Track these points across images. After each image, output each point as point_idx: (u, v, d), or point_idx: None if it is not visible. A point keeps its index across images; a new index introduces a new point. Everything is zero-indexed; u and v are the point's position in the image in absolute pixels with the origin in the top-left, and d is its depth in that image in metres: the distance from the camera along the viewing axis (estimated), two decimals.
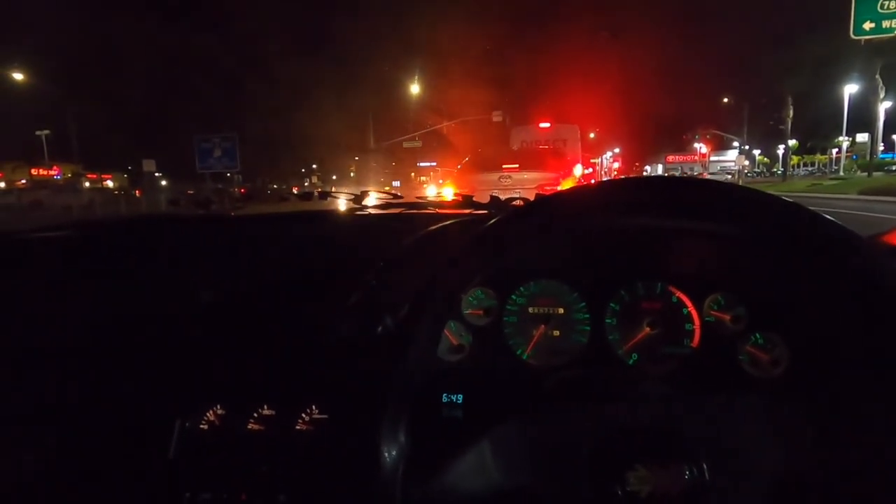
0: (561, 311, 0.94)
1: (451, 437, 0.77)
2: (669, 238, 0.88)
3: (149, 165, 23.32)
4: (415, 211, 1.28)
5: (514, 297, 0.95)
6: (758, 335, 0.85)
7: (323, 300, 0.94)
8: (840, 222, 0.56)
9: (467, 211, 1.23)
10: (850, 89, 31.71)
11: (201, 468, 0.83)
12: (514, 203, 1.21)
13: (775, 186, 29.20)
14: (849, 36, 16.83)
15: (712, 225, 0.63)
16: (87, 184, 32.38)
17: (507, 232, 0.80)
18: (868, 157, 30.28)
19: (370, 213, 1.24)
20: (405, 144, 31.38)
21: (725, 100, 48.04)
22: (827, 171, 44.05)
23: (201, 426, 0.86)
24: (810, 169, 52.61)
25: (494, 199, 1.22)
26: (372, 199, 1.33)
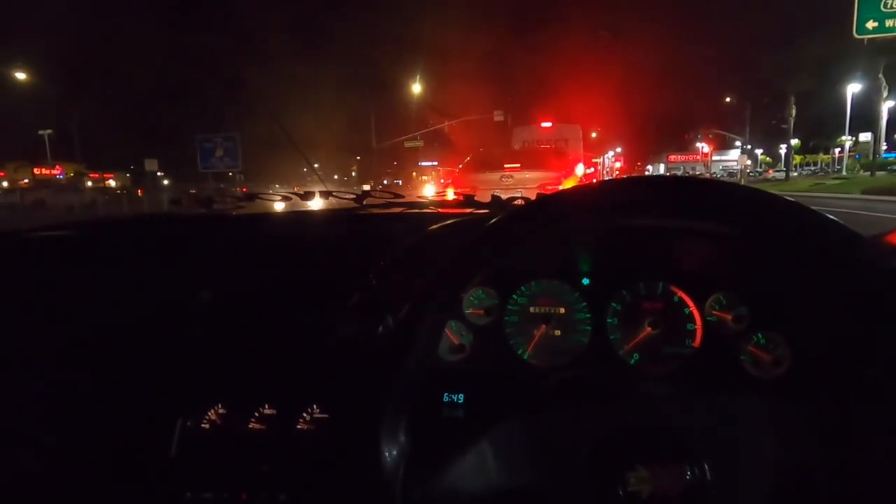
0: (562, 310, 0.93)
1: (452, 436, 0.77)
2: (671, 238, 0.88)
3: (151, 165, 23.36)
4: (416, 210, 1.28)
5: (515, 296, 0.95)
6: (759, 335, 0.84)
7: (324, 300, 0.94)
8: (841, 221, 0.56)
9: (468, 210, 1.23)
10: (853, 89, 31.63)
11: (202, 467, 0.83)
12: (515, 202, 1.21)
13: (778, 186, 29.16)
14: (851, 35, 16.77)
15: (714, 225, 0.62)
16: (89, 183, 32.41)
17: (509, 231, 0.79)
18: (871, 157, 30.19)
19: (371, 213, 1.24)
20: (407, 144, 31.38)
21: (728, 99, 47.95)
22: (830, 170, 43.92)
23: (202, 425, 0.86)
24: (813, 168, 52.47)
25: (496, 198, 1.22)
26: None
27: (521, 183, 7.07)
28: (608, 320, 0.91)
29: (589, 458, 0.65)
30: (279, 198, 1.37)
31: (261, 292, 1.01)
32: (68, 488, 0.85)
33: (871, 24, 16.20)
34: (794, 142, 41.97)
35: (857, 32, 16.54)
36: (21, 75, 27.11)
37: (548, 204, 0.79)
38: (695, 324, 0.88)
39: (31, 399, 0.93)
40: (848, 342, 0.65)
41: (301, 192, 1.34)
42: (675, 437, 0.65)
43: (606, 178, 0.82)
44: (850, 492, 0.62)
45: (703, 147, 48.90)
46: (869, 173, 26.80)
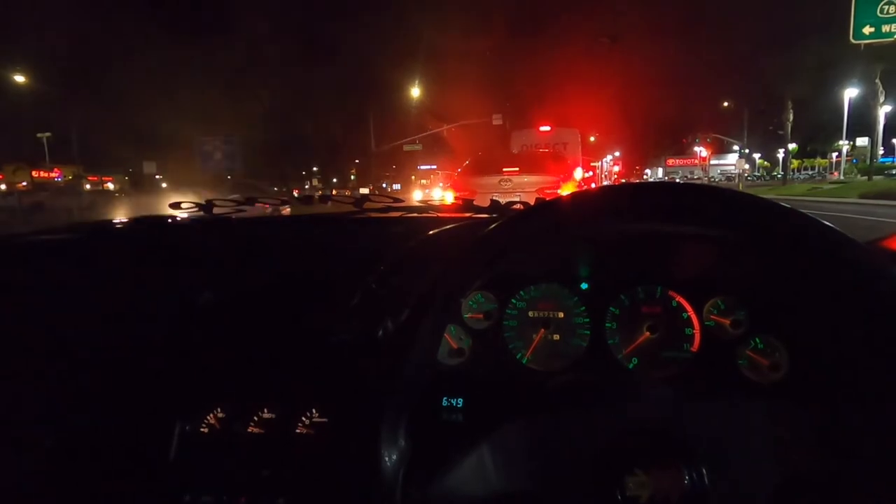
0: (561, 315, 0.94)
1: (452, 441, 0.77)
2: (669, 242, 0.88)
3: (149, 167, 23.39)
4: (415, 214, 1.29)
5: (514, 300, 0.95)
6: (757, 339, 0.85)
7: (324, 303, 0.94)
8: (834, 226, 0.57)
9: (468, 215, 1.23)
10: (850, 93, 31.77)
11: (201, 471, 0.83)
12: (514, 207, 1.21)
13: (775, 190, 29.25)
14: (848, 40, 16.86)
15: (710, 230, 0.63)
16: (87, 186, 32.37)
17: (508, 236, 0.80)
18: (868, 161, 30.31)
19: (371, 217, 1.24)
20: (406, 148, 31.47)
21: (725, 104, 48.13)
22: (827, 174, 44.06)
23: (201, 429, 0.86)
24: (810, 172, 52.64)
25: (495, 202, 1.23)
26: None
27: (519, 187, 7.08)
28: (607, 325, 0.91)
29: (587, 462, 0.65)
30: (278, 202, 1.37)
31: (260, 296, 1.01)
32: (66, 491, 0.85)
33: (867, 30, 16.29)
34: (792, 146, 42.14)
35: (853, 38, 16.63)
36: (20, 78, 27.14)
37: (547, 209, 0.79)
38: (693, 328, 0.88)
39: (29, 401, 0.93)
40: (844, 346, 0.65)
41: (301, 197, 1.34)
42: (673, 441, 0.65)
43: (605, 184, 0.83)
44: (849, 496, 0.62)
45: (702, 151, 49.09)
46: (866, 177, 26.90)
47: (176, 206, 1.36)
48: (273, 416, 0.86)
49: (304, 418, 0.84)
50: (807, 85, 32.97)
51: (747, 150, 47.54)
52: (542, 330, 0.93)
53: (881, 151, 34.00)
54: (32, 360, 0.96)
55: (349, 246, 1.09)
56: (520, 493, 0.67)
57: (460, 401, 0.86)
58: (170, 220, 1.31)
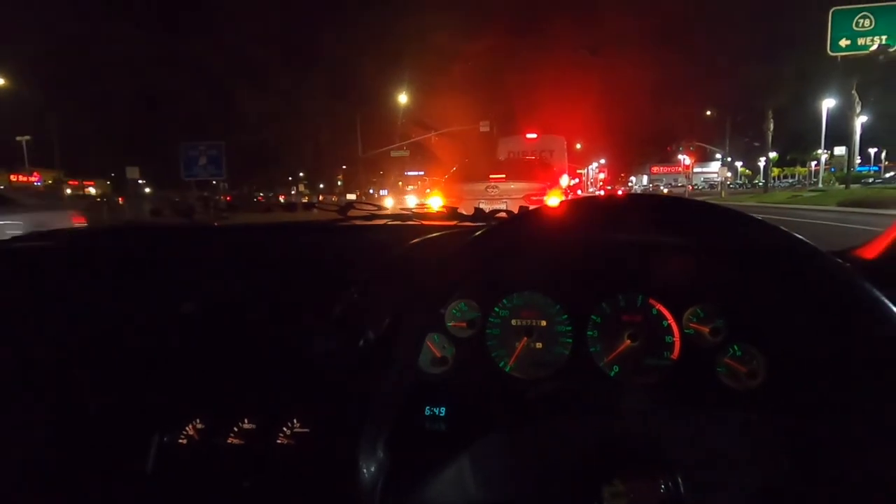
0: (543, 323, 0.94)
1: (434, 450, 0.77)
2: (649, 251, 0.89)
3: (132, 173, 23.05)
4: (400, 223, 1.29)
5: (497, 309, 0.95)
6: (736, 347, 0.86)
7: (306, 313, 0.93)
8: (800, 236, 0.58)
9: (452, 223, 1.24)
10: (828, 104, 32.57)
11: (180, 483, 0.82)
12: (498, 215, 1.22)
13: (757, 197, 29.81)
14: (826, 53, 17.35)
15: (685, 240, 0.64)
16: (68, 191, 31.82)
17: (490, 245, 0.80)
18: (845, 170, 31.07)
19: (355, 225, 1.24)
20: (393, 154, 31.47)
21: (708, 113, 48.99)
22: (807, 182, 45.01)
23: (180, 440, 0.85)
24: (791, 181, 53.73)
25: (479, 211, 1.23)
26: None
27: (506, 193, 7.12)
28: (588, 333, 0.92)
29: (566, 472, 0.65)
30: (262, 209, 1.36)
31: (241, 304, 1.00)
32: None
33: (843, 42, 16.78)
34: (773, 155, 43.02)
35: (830, 50, 17.12)
36: None
37: (529, 218, 0.80)
38: (673, 336, 0.90)
39: (2, 412, 0.91)
40: (816, 353, 0.67)
41: (285, 203, 1.33)
42: (650, 450, 0.66)
43: (585, 195, 0.84)
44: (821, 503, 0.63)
45: (685, 159, 49.85)
46: (844, 186, 27.54)
47: (156, 212, 1.34)
48: (254, 426, 0.85)
49: (285, 429, 0.83)
50: (786, 95, 33.77)
51: (729, 159, 48.40)
52: (525, 338, 0.93)
53: (858, 160, 34.84)
54: (6, 370, 0.94)
55: (332, 254, 1.09)
56: (498, 502, 0.67)
57: (443, 410, 0.86)
58: (150, 227, 1.30)
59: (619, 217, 0.71)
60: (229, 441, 0.84)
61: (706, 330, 0.88)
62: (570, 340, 0.93)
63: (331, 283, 0.93)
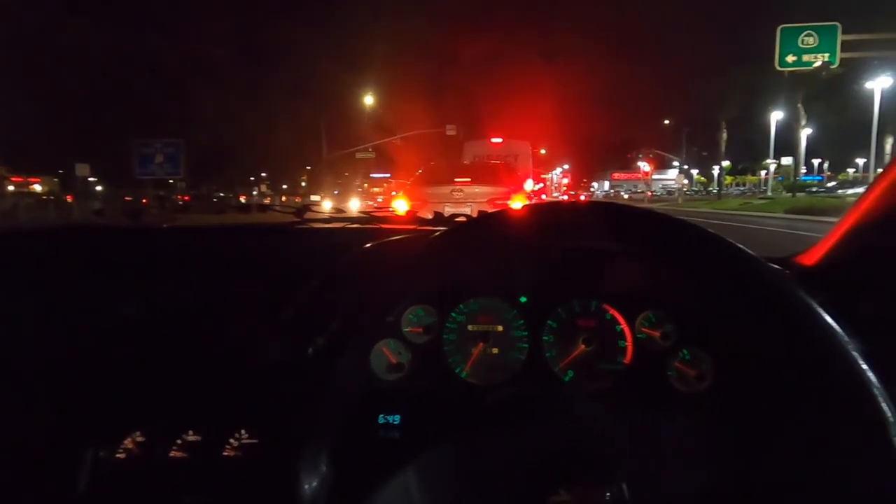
0: (500, 328, 0.94)
1: (386, 458, 0.76)
2: (603, 257, 0.91)
3: (82, 170, 21.98)
4: (358, 226, 1.26)
5: (454, 314, 0.95)
6: (685, 351, 0.88)
7: (254, 319, 0.90)
8: (737, 244, 0.60)
9: (412, 226, 1.22)
10: (777, 116, 34.30)
11: (115, 501, 0.77)
12: (457, 220, 1.21)
13: (711, 204, 31.07)
14: (774, 68, 18.26)
15: (631, 246, 0.65)
16: (11, 187, 30.03)
17: (446, 249, 0.79)
18: (792, 179, 32.79)
19: (311, 228, 1.21)
20: (358, 155, 31.19)
21: (666, 122, 50.78)
22: (757, 190, 47.21)
23: (118, 455, 0.80)
24: (742, 189, 56.23)
25: (438, 215, 1.22)
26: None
27: (471, 197, 7.15)
28: (544, 338, 0.92)
29: (514, 481, 0.65)
30: (215, 210, 1.31)
31: (187, 310, 0.96)
32: None
33: (790, 58, 17.70)
34: (726, 163, 44.97)
35: (778, 65, 18.03)
36: None
37: (484, 224, 0.79)
38: (626, 341, 0.91)
39: None
40: (754, 359, 0.69)
41: (239, 205, 1.29)
42: (598, 457, 0.66)
43: (541, 200, 0.85)
44: None
45: (644, 166, 51.47)
46: (791, 194, 29.03)
47: (99, 213, 1.27)
48: (199, 438, 0.81)
49: (232, 440, 0.79)
50: (738, 107, 35.43)
51: (686, 167, 50.31)
52: (482, 344, 0.93)
53: (804, 170, 36.82)
54: None
55: (283, 259, 1.05)
56: None
57: (397, 417, 0.85)
58: (91, 228, 1.23)
59: (570, 223, 0.72)
60: (171, 454, 0.80)
61: (657, 334, 0.90)
62: (527, 346, 0.93)
63: (280, 289, 0.90)
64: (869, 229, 0.80)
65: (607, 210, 0.68)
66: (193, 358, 0.89)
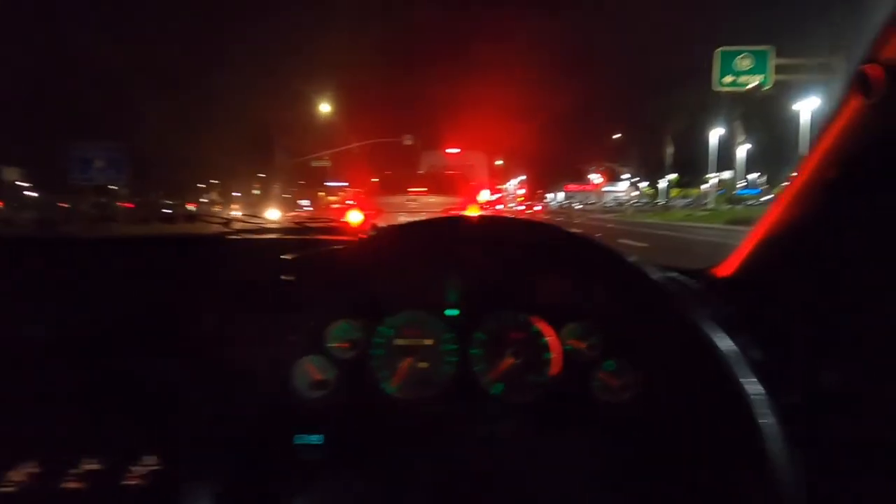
0: (429, 342, 0.93)
1: (308, 481, 0.73)
2: (530, 270, 0.91)
3: (10, 174, 20.55)
4: (291, 236, 1.23)
5: (382, 328, 0.93)
6: (610, 362, 0.89)
7: (164, 337, 0.85)
8: (628, 258, 0.62)
9: (346, 237, 1.20)
10: (717, 132, 36.27)
11: None
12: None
13: (659, 216, 32.45)
14: (713, 88, 19.37)
15: (531, 260, 0.67)
16: None
17: (359, 261, 0.78)
18: (731, 193, 34.73)
19: (239, 239, 1.16)
20: (314, 163, 30.68)
21: (617, 136, 52.72)
22: (700, 203, 49.62)
23: (5, 488, 0.73)
24: (687, 201, 58.95)
25: (374, 226, 1.20)
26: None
27: (425, 207, 7.16)
28: (473, 351, 0.92)
29: (426, 501, 0.64)
30: (139, 220, 1.24)
31: (91, 329, 0.90)
32: None
33: (727, 79, 18.80)
34: (672, 176, 47.09)
35: (715, 86, 19.11)
36: None
37: (383, 237, 0.79)
38: (553, 353, 0.92)
39: None
40: (662, 371, 0.71)
41: (163, 215, 1.22)
42: (512, 478, 0.66)
43: (438, 217, 0.86)
44: None
45: (596, 178, 53.18)
46: (730, 206, 30.68)
47: (7, 222, 1.18)
48: (98, 466, 0.75)
49: (133, 468, 0.74)
50: (683, 123, 37.24)
51: (635, 179, 52.35)
52: (410, 358, 0.91)
53: (743, 184, 38.97)
54: None
55: (197, 272, 1.00)
56: None
57: (320, 437, 0.82)
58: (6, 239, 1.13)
59: (461, 237, 0.74)
60: (67, 485, 0.74)
61: (583, 346, 0.91)
62: (456, 359, 0.92)
63: (194, 304, 0.85)
64: (772, 243, 0.84)
65: (495, 222, 0.70)
66: (95, 381, 0.83)
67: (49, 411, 0.80)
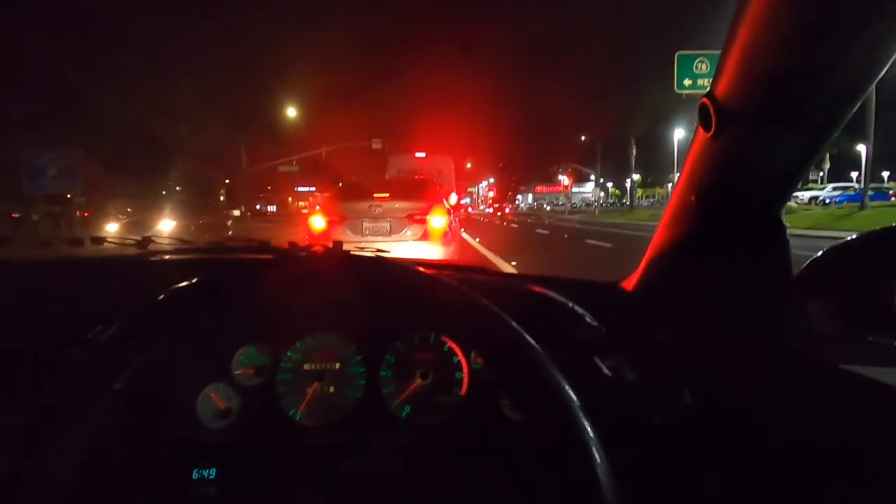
0: (337, 366, 0.91)
1: None
2: (440, 289, 0.90)
3: None
4: (209, 256, 1.19)
5: (289, 353, 0.90)
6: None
7: (35, 367, 0.80)
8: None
9: (269, 256, 1.16)
10: (679, 134, 37.32)
11: None
12: (299, 251, 1.17)
13: (625, 215, 33.19)
14: (674, 90, 19.93)
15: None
16: None
17: (265, 284, 0.75)
18: None
19: (151, 261, 1.11)
20: (281, 169, 30.21)
21: (583, 138, 53.69)
22: (664, 202, 51.00)
23: None
24: (652, 200, 60.50)
25: (293, 244, 1.17)
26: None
27: (389, 213, 7.09)
28: (381, 373, 0.90)
29: None
30: (42, 242, 1.18)
31: None
32: None
33: (687, 82, 19.38)
34: (637, 177, 48.25)
35: (677, 88, 19.68)
36: None
37: (280, 264, 0.77)
38: (462, 372, 0.91)
39: None
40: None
41: (69, 238, 1.16)
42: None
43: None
44: None
45: (564, 180, 54.05)
46: None
47: None
48: None
49: None
50: (646, 125, 38.21)
51: (602, 180, 53.40)
52: (317, 383, 0.89)
53: None
54: None
55: (93, 296, 0.95)
56: None
57: (213, 471, 0.78)
58: None
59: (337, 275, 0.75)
60: None
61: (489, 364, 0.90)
62: (364, 382, 0.90)
63: (77, 332, 0.81)
64: (657, 261, 0.86)
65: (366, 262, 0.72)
66: None
67: None
